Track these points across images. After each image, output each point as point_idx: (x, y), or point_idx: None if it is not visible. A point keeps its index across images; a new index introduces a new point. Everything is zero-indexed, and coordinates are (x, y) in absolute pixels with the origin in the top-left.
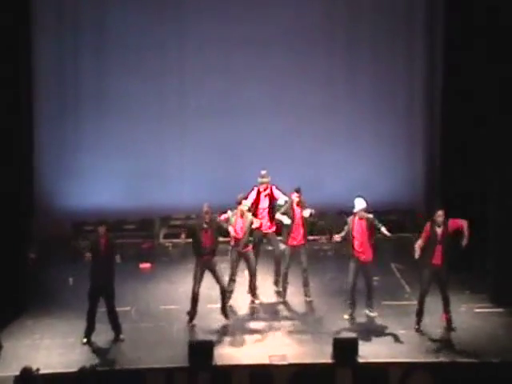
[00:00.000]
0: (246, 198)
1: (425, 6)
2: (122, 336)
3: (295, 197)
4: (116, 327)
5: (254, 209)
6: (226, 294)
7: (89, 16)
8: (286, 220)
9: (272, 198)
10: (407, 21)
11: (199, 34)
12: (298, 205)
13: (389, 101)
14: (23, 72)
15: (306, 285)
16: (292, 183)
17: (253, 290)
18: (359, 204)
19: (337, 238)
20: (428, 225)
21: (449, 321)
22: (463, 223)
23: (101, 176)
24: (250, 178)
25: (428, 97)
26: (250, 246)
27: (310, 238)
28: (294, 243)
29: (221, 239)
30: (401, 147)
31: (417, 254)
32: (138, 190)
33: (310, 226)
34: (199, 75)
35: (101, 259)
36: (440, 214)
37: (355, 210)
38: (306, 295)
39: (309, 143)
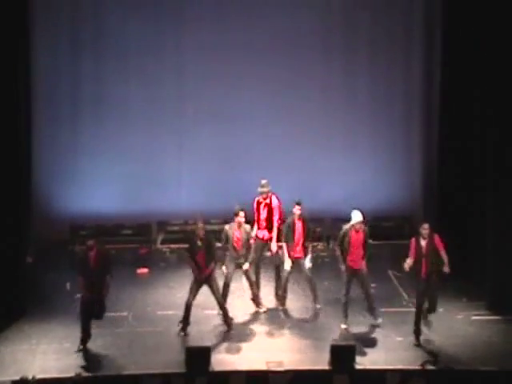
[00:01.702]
0: (242, 210)
1: (422, 13)
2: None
3: (296, 210)
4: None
5: (257, 220)
6: (224, 308)
7: (87, 21)
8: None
9: (270, 208)
10: (405, 27)
11: (197, 40)
12: (299, 219)
13: (386, 107)
14: (21, 76)
15: (313, 292)
16: (289, 189)
17: (255, 299)
18: (356, 217)
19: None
20: (413, 240)
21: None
22: (441, 248)
23: (99, 180)
24: (248, 183)
25: (425, 103)
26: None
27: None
28: (295, 256)
29: None
30: (398, 153)
31: (406, 267)
32: (135, 194)
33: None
34: (197, 81)
35: (90, 273)
36: (425, 227)
37: (352, 223)
38: (314, 302)
39: (306, 149)
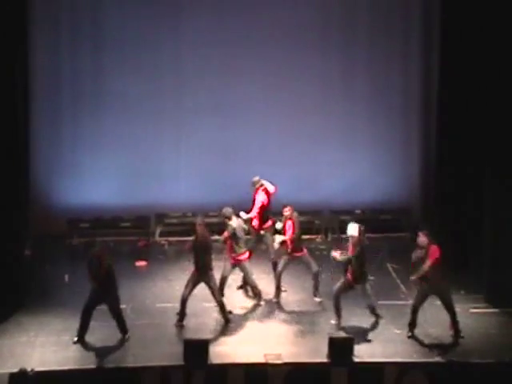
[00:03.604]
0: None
1: (421, 8)
2: (127, 336)
3: (284, 212)
4: (121, 328)
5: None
6: (223, 307)
7: (86, 14)
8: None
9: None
10: (403, 21)
11: (196, 34)
12: (290, 219)
13: (384, 101)
14: (20, 70)
15: (315, 285)
16: (288, 182)
17: (256, 293)
18: (352, 230)
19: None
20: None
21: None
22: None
23: (97, 173)
24: (246, 176)
25: (424, 96)
26: (246, 255)
27: (306, 237)
28: (295, 254)
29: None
30: (396, 147)
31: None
32: (133, 187)
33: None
34: (195, 74)
35: (101, 275)
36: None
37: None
38: (315, 295)
39: (304, 143)
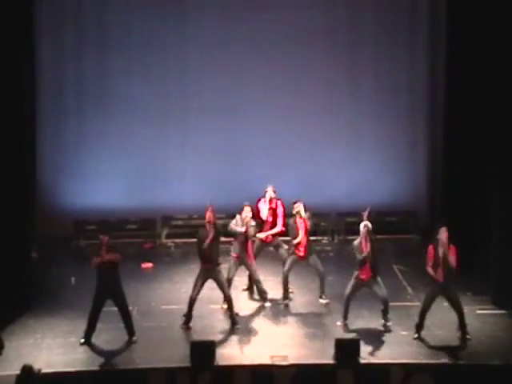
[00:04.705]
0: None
1: (427, 9)
2: (134, 338)
3: (295, 209)
4: (129, 329)
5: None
6: (231, 302)
7: (91, 16)
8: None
9: (275, 214)
10: (409, 22)
11: (201, 36)
12: (300, 217)
13: (391, 102)
14: (26, 72)
15: (322, 287)
16: (294, 184)
17: (261, 291)
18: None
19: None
20: (431, 247)
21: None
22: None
23: (103, 175)
24: (252, 178)
25: (430, 98)
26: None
27: (312, 238)
28: (301, 254)
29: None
30: (402, 148)
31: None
32: (139, 189)
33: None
34: (201, 76)
35: (105, 267)
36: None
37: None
38: (321, 297)
39: (310, 145)
